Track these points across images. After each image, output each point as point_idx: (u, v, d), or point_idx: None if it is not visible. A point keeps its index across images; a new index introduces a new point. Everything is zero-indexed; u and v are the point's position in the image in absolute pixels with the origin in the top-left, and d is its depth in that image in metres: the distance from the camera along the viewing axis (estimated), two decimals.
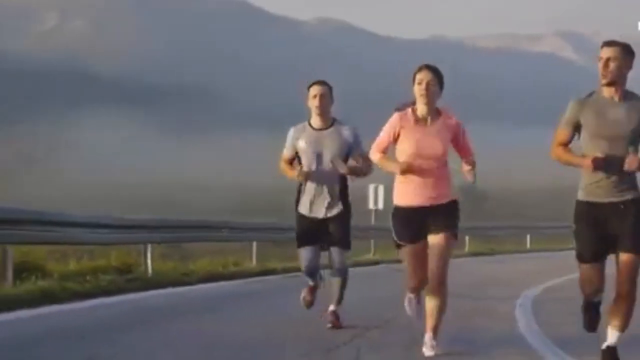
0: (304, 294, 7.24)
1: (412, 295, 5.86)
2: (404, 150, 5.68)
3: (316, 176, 6.84)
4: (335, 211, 6.88)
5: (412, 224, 5.69)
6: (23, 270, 9.66)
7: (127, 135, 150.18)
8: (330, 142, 6.83)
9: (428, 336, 5.64)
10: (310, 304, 7.21)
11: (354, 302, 8.66)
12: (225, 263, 14.60)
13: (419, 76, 5.67)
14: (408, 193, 5.71)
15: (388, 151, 5.82)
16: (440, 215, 5.67)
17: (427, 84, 5.63)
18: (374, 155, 5.85)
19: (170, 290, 10.50)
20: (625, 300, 5.25)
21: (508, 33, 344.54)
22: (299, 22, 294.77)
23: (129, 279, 10.60)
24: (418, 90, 5.65)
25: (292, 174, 6.89)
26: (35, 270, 9.93)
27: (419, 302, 5.86)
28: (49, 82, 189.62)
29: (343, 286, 7.02)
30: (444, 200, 5.70)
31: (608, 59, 5.19)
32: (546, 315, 8.17)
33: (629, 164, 5.11)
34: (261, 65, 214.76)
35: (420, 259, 5.69)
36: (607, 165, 5.16)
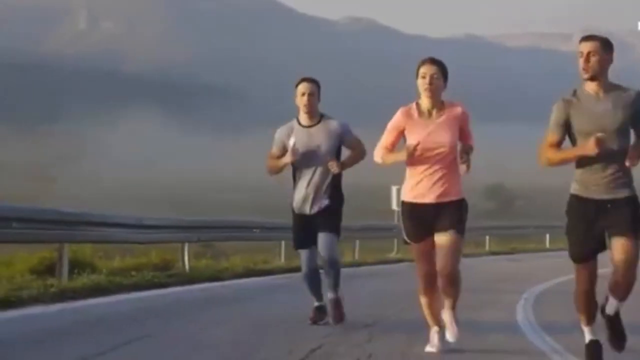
0: (312, 314, 7.03)
1: (436, 328, 5.71)
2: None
3: (308, 173, 6.81)
4: (324, 205, 6.83)
5: (420, 221, 5.59)
6: (73, 267, 10.52)
7: (159, 135, 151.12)
8: (321, 138, 6.79)
9: (448, 317, 5.66)
10: (317, 320, 6.98)
11: (372, 296, 9.58)
12: (256, 261, 15.52)
13: (422, 70, 5.55)
14: (416, 189, 5.60)
15: (394, 149, 5.71)
16: (447, 213, 5.56)
17: (431, 78, 5.51)
18: (377, 154, 5.73)
19: (206, 285, 11.33)
20: (624, 285, 5.13)
21: (538, 32, 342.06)
22: (330, 22, 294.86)
23: (170, 275, 11.65)
24: (422, 84, 5.53)
25: (279, 162, 6.86)
26: (84, 267, 10.91)
27: (443, 338, 5.73)
28: (83, 82, 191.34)
29: (337, 276, 6.91)
30: (452, 198, 5.60)
31: (589, 53, 5.10)
32: (546, 307, 8.80)
33: (631, 158, 5.04)
34: (291, 64, 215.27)
35: (427, 257, 5.62)
36: (608, 147, 5.03)
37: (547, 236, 27.47)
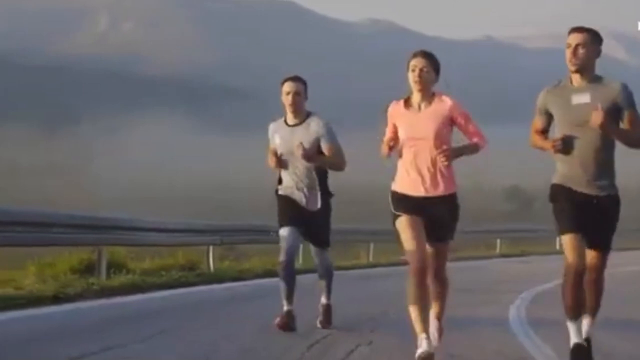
0: (278, 319, 6.83)
1: (424, 335, 5.35)
2: (400, 137, 5.56)
3: (291, 171, 6.85)
4: (314, 206, 6.89)
5: (410, 201, 5.51)
6: (109, 268, 11.48)
7: (178, 137, 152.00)
8: (302, 138, 6.77)
9: (433, 325, 5.71)
10: (286, 327, 6.78)
11: (381, 294, 10.37)
12: (275, 262, 16.37)
13: (412, 62, 5.50)
14: (405, 180, 5.54)
15: (396, 139, 5.62)
16: (438, 216, 5.49)
17: (421, 71, 5.47)
18: (382, 150, 5.63)
19: (229, 284, 12.23)
20: (593, 287, 5.31)
21: (557, 33, 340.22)
22: (348, 24, 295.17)
23: (197, 275, 12.70)
24: (412, 77, 5.49)
25: (271, 165, 6.88)
26: (119, 267, 11.84)
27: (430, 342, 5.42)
28: (102, 84, 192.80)
29: (329, 283, 7.20)
30: (442, 192, 5.50)
31: (577, 45, 5.05)
32: (539, 306, 9.34)
33: (594, 119, 4.97)
34: (311, 66, 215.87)
35: (417, 231, 5.43)
36: (567, 145, 5.08)
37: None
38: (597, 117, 4.97)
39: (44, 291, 9.27)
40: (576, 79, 5.12)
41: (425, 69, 5.49)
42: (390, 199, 5.60)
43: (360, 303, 9.48)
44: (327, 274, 7.21)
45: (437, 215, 5.51)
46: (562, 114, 5.14)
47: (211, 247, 14.20)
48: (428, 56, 5.54)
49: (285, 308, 6.88)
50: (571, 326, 5.24)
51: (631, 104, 5.11)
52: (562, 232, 5.19)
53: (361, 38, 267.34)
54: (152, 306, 9.18)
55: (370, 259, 19.96)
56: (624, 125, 5.13)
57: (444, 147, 5.42)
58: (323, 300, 7.19)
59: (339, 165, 6.89)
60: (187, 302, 9.72)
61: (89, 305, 8.97)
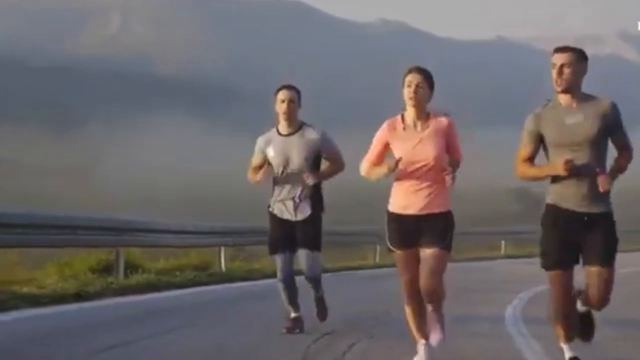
0: (288, 324, 6.99)
1: (423, 341, 5.49)
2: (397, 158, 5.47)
3: (285, 182, 6.79)
4: (305, 215, 6.82)
5: (404, 230, 5.45)
6: (126, 268, 11.97)
7: (187, 138, 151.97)
8: (298, 147, 6.74)
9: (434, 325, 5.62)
10: (295, 331, 6.96)
11: (386, 293, 10.69)
12: None
13: (407, 79, 5.44)
14: (401, 199, 5.48)
15: (381, 162, 5.58)
16: (431, 228, 5.43)
17: (416, 87, 5.42)
18: (362, 168, 5.64)
19: (240, 284, 12.74)
20: (598, 308, 5.23)
21: (569, 35, 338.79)
22: (359, 24, 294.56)
23: (209, 274, 13.22)
24: (407, 93, 5.43)
25: (255, 177, 6.86)
26: (135, 267, 12.32)
27: (431, 350, 5.51)
28: (109, 85, 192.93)
29: (318, 287, 7.11)
30: (437, 210, 5.44)
31: (562, 65, 4.98)
32: (534, 304, 9.59)
33: (602, 185, 4.94)
34: (319, 67, 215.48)
35: (411, 265, 5.46)
36: (580, 168, 4.97)
37: None
38: (604, 185, 4.95)
39: (67, 290, 9.83)
40: (565, 99, 5.07)
41: (420, 85, 5.45)
42: (385, 221, 5.57)
43: (364, 302, 9.92)
44: (313, 280, 7.10)
45: (432, 227, 5.45)
46: (555, 135, 5.05)
47: (223, 248, 14.72)
48: (423, 72, 5.51)
49: (292, 315, 6.99)
50: (565, 346, 5.22)
51: (620, 123, 5.12)
52: (547, 266, 5.11)
53: (372, 38, 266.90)
54: (165, 305, 9.66)
55: (377, 259, 20.37)
56: (612, 141, 5.13)
57: (446, 172, 5.39)
58: (314, 294, 7.19)
59: (340, 171, 6.96)
60: (199, 301, 10.20)
61: (108, 303, 9.52)
